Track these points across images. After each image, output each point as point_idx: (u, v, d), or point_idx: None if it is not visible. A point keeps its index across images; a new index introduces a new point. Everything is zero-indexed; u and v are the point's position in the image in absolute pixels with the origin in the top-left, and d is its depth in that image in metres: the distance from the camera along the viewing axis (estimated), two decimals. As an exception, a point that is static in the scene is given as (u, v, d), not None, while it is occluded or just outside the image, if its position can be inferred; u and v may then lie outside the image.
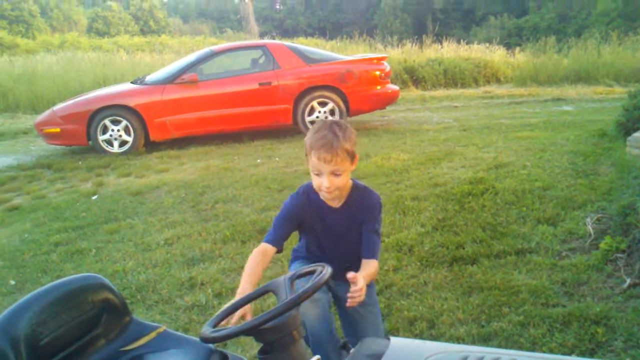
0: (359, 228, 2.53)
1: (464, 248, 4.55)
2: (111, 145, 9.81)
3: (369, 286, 2.44)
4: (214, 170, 8.17)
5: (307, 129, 9.88)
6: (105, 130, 9.73)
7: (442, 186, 6.16)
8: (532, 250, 4.41)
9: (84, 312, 2.14)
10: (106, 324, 2.19)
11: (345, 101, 10.09)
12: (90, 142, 9.86)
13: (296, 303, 1.63)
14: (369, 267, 2.43)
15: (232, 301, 1.89)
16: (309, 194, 2.53)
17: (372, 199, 2.56)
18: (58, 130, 9.78)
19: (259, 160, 8.51)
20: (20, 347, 1.93)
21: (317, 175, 2.35)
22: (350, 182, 2.52)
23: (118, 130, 9.74)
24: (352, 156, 2.35)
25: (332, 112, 10.08)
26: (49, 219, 6.79)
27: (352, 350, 1.78)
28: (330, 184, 2.33)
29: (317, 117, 10.05)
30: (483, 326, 3.46)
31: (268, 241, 2.48)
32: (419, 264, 4.41)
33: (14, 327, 1.96)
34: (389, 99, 10.74)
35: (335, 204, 2.51)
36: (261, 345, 1.68)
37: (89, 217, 6.63)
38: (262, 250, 2.44)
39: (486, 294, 3.82)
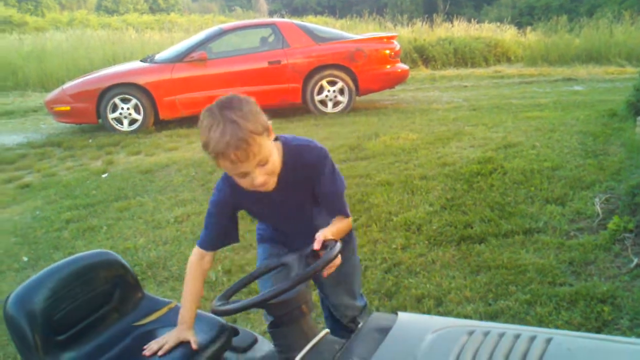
0: (309, 195, 2.20)
1: (472, 227, 4.56)
2: (121, 123, 9.84)
3: (344, 242, 2.07)
4: (223, 149, 8.18)
5: (316, 108, 9.96)
6: (115, 108, 9.76)
7: (451, 166, 6.17)
8: (540, 230, 4.42)
9: (98, 287, 2.18)
10: (119, 299, 2.23)
11: (355, 80, 10.07)
12: (100, 121, 9.90)
13: (305, 278, 1.66)
14: (336, 223, 2.13)
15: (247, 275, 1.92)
16: (232, 185, 2.06)
17: (309, 157, 2.14)
18: (68, 108, 9.82)
19: (268, 139, 8.51)
20: (36, 321, 1.98)
21: (242, 177, 1.91)
22: (280, 146, 2.07)
23: (128, 109, 9.77)
24: (264, 129, 1.88)
25: (341, 91, 10.07)
26: (59, 196, 6.85)
27: (360, 325, 1.81)
28: (262, 178, 1.91)
29: (326, 96, 10.05)
30: (490, 304, 3.49)
31: (202, 246, 2.19)
32: (427, 242, 4.44)
33: (30, 301, 2.01)
34: (399, 78, 10.70)
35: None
36: (271, 320, 1.72)
37: (100, 195, 6.69)
38: (198, 261, 2.17)
39: (493, 273, 3.85)
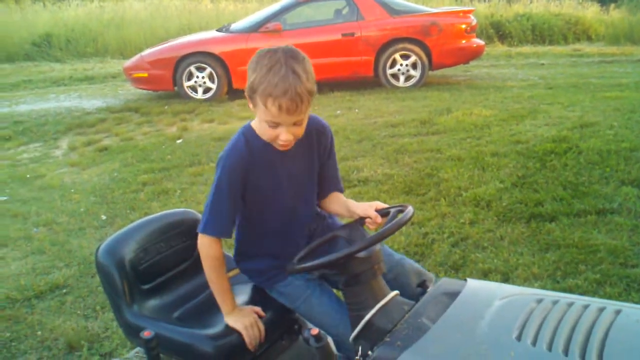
0: (315, 171, 2.12)
1: (543, 205, 4.50)
2: (195, 91, 10.06)
3: None
4: (294, 119, 8.28)
5: (388, 81, 9.93)
6: (190, 76, 9.98)
7: (524, 143, 6.07)
8: (613, 211, 4.32)
9: (179, 244, 2.30)
10: (197, 256, 2.33)
11: (429, 54, 9.95)
12: (175, 88, 10.14)
13: (381, 238, 1.71)
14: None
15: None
16: (251, 147, 1.98)
17: (324, 126, 2.13)
18: (146, 75, 10.10)
19: (338, 112, 8.56)
20: (124, 269, 2.11)
21: (272, 127, 1.86)
22: None
23: (202, 77, 9.97)
24: (314, 94, 1.87)
25: (414, 65, 9.98)
26: (136, 159, 7.10)
27: (429, 289, 1.85)
28: (290, 136, 1.87)
29: (399, 69, 9.98)
30: (558, 282, 3.46)
31: (212, 232, 2.00)
32: (495, 219, 4.41)
33: (119, 251, 2.14)
34: (474, 54, 10.52)
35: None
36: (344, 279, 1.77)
37: (174, 160, 6.90)
38: (219, 253, 2.03)
39: (563, 251, 3.81)
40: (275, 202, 2.05)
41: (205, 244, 2.00)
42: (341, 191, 2.22)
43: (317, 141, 2.08)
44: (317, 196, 2.18)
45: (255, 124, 2.01)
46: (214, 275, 2.01)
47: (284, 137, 1.86)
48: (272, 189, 2.03)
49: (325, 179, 2.16)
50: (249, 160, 1.97)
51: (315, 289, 2.03)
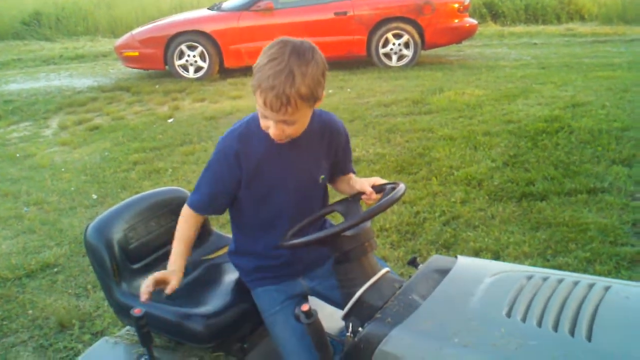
0: (322, 166, 2.03)
1: (534, 185, 4.52)
2: (187, 70, 10.00)
3: None
4: (286, 98, 8.25)
5: (381, 61, 9.89)
6: (181, 55, 9.91)
7: (516, 123, 6.07)
8: (604, 190, 4.34)
9: (169, 222, 2.27)
10: None
11: (421, 34, 9.90)
12: (166, 67, 10.07)
13: (372, 215, 1.70)
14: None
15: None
16: (251, 135, 1.94)
17: (340, 126, 2.06)
18: (137, 53, 10.03)
19: (330, 91, 8.53)
20: (113, 249, 2.10)
21: (262, 118, 1.81)
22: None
23: (194, 56, 9.90)
24: (313, 99, 1.78)
25: (406, 45, 9.94)
26: (127, 139, 7.07)
27: (420, 266, 1.85)
28: (279, 132, 1.80)
29: (391, 49, 9.94)
30: (548, 260, 3.48)
31: (194, 207, 2.00)
32: (487, 197, 4.43)
33: (108, 230, 2.13)
34: (466, 33, 10.48)
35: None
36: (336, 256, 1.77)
37: (165, 139, 6.87)
38: (190, 219, 2.01)
39: (554, 230, 3.82)
40: (272, 195, 1.98)
41: (183, 213, 2.02)
42: (353, 172, 2.17)
43: (328, 142, 2.01)
44: (319, 202, 2.08)
45: None
46: (175, 239, 1.99)
47: (272, 131, 1.79)
48: (272, 181, 1.96)
49: (339, 169, 2.12)
50: (244, 150, 1.91)
51: (288, 309, 1.98)
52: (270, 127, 1.79)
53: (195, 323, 1.94)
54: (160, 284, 1.85)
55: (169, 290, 1.85)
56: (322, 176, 2.02)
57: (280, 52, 1.71)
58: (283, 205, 1.98)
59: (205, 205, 1.99)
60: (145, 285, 1.83)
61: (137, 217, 2.23)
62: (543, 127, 5.73)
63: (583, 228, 3.80)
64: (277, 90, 1.67)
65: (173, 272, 1.89)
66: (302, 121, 1.82)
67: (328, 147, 2.01)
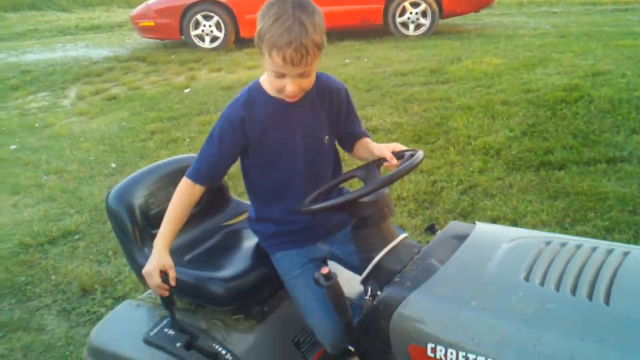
0: (327, 126, 2.04)
1: (552, 154, 4.49)
2: (203, 40, 9.97)
3: None
4: (302, 68, 8.22)
5: (397, 30, 9.79)
6: (197, 25, 9.88)
7: (535, 92, 6.01)
8: (624, 159, 4.30)
9: None
10: (208, 200, 2.35)
11: (439, 2, 9.78)
12: (182, 37, 10.05)
13: (391, 181, 1.71)
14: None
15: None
16: (254, 102, 1.95)
17: (339, 84, 2.08)
18: (152, 23, 10.00)
19: (347, 60, 8.48)
20: (135, 214, 2.14)
21: (278, 77, 1.82)
22: None
23: (210, 26, 9.87)
24: (323, 46, 1.79)
25: (424, 14, 9.84)
26: (144, 108, 7.11)
27: (438, 232, 1.86)
28: (296, 87, 1.82)
29: (408, 18, 9.84)
30: (566, 229, 3.48)
31: (192, 178, 1.98)
32: (505, 167, 4.41)
33: (129, 196, 2.16)
34: (484, 2, 10.35)
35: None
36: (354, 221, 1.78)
37: (182, 109, 6.90)
38: (189, 190, 1.98)
39: (572, 199, 3.81)
40: (281, 159, 1.99)
41: (178, 189, 1.99)
42: (367, 136, 2.14)
43: (329, 100, 2.02)
44: (332, 162, 2.10)
45: (263, 78, 1.96)
46: (169, 211, 1.96)
47: (290, 88, 1.81)
48: (279, 145, 1.98)
49: (347, 134, 2.12)
50: (249, 116, 1.93)
51: (307, 272, 1.98)
52: (287, 84, 1.80)
53: (215, 286, 1.98)
54: (161, 274, 1.86)
55: (172, 282, 1.86)
56: (327, 137, 2.03)
57: (284, 9, 1.73)
58: (292, 170, 2.00)
59: (207, 175, 1.98)
60: (155, 284, 1.85)
61: (156, 183, 2.26)
62: (562, 96, 5.67)
63: (602, 197, 3.78)
64: (295, 44, 1.69)
65: (168, 264, 1.87)
66: (314, 72, 1.87)
67: (329, 105, 2.02)
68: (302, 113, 1.96)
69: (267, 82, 1.93)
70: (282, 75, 1.80)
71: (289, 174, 2.01)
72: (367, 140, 2.12)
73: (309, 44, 1.71)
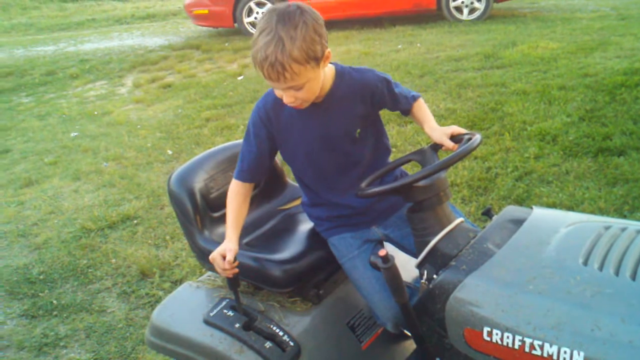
0: (357, 121, 1.98)
1: (611, 139, 4.38)
2: (255, 27, 10.02)
3: None
4: (354, 54, 8.22)
5: (451, 14, 9.67)
6: (250, 12, 9.97)
7: (593, 76, 5.86)
8: (686, 145, 4.18)
9: None
10: (266, 185, 2.40)
11: (493, -14, 9.62)
12: (235, 25, 10.15)
13: (447, 165, 1.71)
14: (426, 112, 2.06)
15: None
16: (275, 102, 1.93)
17: (373, 80, 1.99)
18: (206, 11, 10.13)
19: (399, 46, 8.43)
20: (195, 197, 2.20)
21: (275, 88, 1.82)
22: (333, 69, 1.94)
23: (262, 13, 9.90)
24: (313, 59, 1.71)
25: (478, -2, 9.69)
26: (199, 96, 7.23)
27: (494, 217, 1.85)
28: (291, 99, 1.78)
29: (462, 2, 9.70)
30: (625, 216, 3.41)
31: (239, 178, 2.04)
32: (561, 153, 4.33)
33: (190, 180, 2.22)
34: (541, -16, 10.12)
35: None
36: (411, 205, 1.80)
37: (236, 96, 6.98)
38: (235, 195, 2.04)
39: (631, 186, 3.72)
40: (311, 154, 1.99)
41: (230, 188, 2.06)
42: (418, 98, 2.09)
43: (361, 100, 1.96)
44: (370, 149, 2.05)
45: None
46: (228, 212, 2.03)
47: (285, 100, 1.79)
48: (301, 145, 1.98)
49: (401, 108, 2.07)
50: (275, 110, 1.94)
51: (365, 252, 2.03)
52: (283, 96, 1.79)
53: (273, 268, 2.02)
54: (222, 257, 1.90)
55: (227, 264, 1.89)
56: (358, 130, 1.99)
57: (268, 22, 1.68)
58: (325, 162, 2.01)
59: (249, 172, 2.02)
60: (218, 266, 1.90)
61: (216, 167, 2.32)
62: (622, 80, 5.52)
63: (663, 184, 3.69)
64: (270, 60, 1.65)
65: (229, 248, 1.91)
66: (311, 83, 1.77)
67: (363, 103, 1.96)
68: (330, 110, 1.93)
69: None
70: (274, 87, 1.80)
71: (322, 166, 2.02)
72: (420, 105, 2.08)
73: (285, 60, 1.65)
